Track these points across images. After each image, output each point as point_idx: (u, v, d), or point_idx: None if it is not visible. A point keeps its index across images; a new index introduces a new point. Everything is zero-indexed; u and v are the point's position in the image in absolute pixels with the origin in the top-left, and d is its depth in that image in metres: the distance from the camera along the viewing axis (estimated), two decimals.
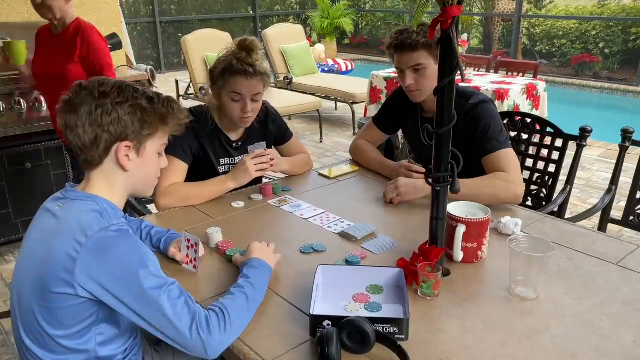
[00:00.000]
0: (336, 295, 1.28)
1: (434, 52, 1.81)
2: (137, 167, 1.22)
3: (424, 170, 1.93)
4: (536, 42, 10.11)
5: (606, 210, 2.29)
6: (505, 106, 4.07)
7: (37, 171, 3.20)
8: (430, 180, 1.34)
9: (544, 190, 2.32)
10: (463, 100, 1.90)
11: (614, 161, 2.30)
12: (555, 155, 2.29)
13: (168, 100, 1.24)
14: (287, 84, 6.31)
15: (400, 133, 2.38)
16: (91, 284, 1.08)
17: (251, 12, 11.25)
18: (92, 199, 1.17)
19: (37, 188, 3.20)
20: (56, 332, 1.13)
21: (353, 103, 5.91)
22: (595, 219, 2.37)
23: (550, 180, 2.30)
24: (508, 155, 1.84)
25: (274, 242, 1.46)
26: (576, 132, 2.25)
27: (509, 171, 1.80)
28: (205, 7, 10.71)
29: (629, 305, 1.26)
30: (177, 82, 6.62)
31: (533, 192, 2.34)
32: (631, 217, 2.28)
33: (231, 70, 1.84)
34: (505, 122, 2.33)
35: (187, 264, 1.42)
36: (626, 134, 2.23)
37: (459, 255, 1.42)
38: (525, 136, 2.39)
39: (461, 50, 4.44)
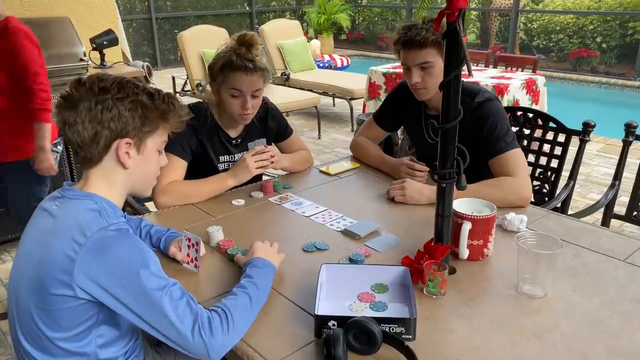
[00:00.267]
0: (341, 295, 1.26)
1: (442, 49, 1.76)
2: (137, 165, 1.19)
3: (426, 169, 1.90)
4: (533, 37, 10.09)
5: (609, 205, 2.27)
6: (505, 101, 4.06)
7: None
8: (435, 177, 1.32)
9: (546, 185, 2.29)
10: (469, 98, 1.84)
11: (614, 156, 2.28)
12: (557, 150, 2.27)
13: (168, 97, 1.21)
14: (285, 80, 6.28)
15: (399, 129, 2.34)
16: (90, 285, 1.05)
17: (247, 8, 11.20)
18: (90, 198, 1.14)
19: None
20: (55, 334, 1.10)
21: (351, 99, 5.88)
22: (597, 214, 2.36)
23: (553, 176, 2.27)
24: (517, 157, 1.79)
25: (275, 240, 1.43)
26: (574, 127, 2.23)
27: (518, 174, 1.76)
28: (201, 3, 10.66)
29: (638, 303, 1.24)
30: (173, 78, 6.59)
31: (536, 188, 2.31)
32: (634, 213, 2.26)
33: (231, 66, 1.81)
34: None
35: (188, 263, 1.40)
36: (629, 129, 2.20)
37: (464, 252, 1.40)
38: (527, 131, 2.36)
39: None
